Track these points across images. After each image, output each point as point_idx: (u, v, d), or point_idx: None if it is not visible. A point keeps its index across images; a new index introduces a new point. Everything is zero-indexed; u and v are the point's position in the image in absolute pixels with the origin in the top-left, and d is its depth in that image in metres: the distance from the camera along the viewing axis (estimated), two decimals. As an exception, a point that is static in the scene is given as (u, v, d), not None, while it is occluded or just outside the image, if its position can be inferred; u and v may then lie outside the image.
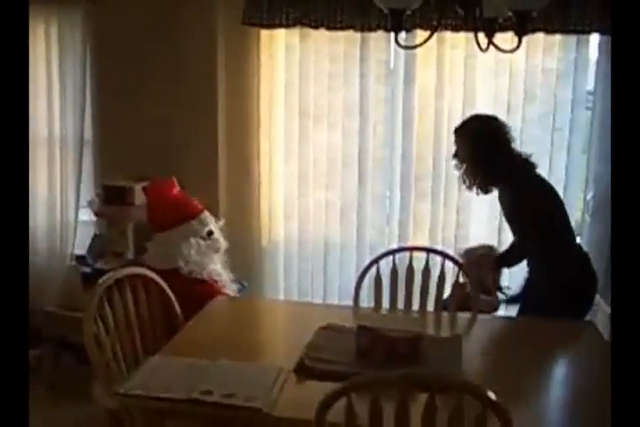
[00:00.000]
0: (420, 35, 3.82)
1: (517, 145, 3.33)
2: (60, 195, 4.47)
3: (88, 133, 4.42)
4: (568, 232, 3.27)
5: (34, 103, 4.44)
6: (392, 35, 3.83)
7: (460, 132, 3.30)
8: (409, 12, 2.25)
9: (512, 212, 3.29)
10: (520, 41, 2.29)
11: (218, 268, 3.54)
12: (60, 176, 4.46)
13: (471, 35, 3.71)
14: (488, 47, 2.47)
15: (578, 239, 3.55)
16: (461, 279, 3.37)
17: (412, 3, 2.18)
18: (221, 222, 3.66)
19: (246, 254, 4.30)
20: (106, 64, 4.30)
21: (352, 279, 4.19)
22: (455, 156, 3.32)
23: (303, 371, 2.31)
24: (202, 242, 3.47)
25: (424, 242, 4.08)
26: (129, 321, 2.60)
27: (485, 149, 3.19)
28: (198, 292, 3.25)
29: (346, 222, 4.25)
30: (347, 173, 4.20)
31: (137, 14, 4.14)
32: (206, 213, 3.56)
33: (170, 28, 4.07)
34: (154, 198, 3.59)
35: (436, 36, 3.74)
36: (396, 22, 2.22)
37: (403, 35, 3.81)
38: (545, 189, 3.25)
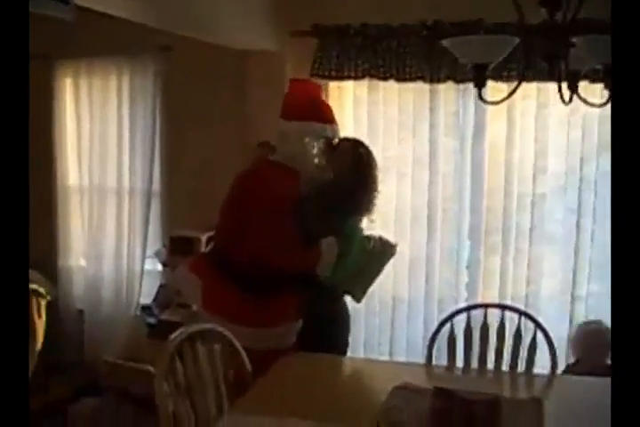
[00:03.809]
0: (492, 86, 3.77)
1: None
2: (127, 245, 4.51)
3: (156, 184, 4.47)
4: None
5: (104, 154, 4.53)
6: (460, 86, 3.90)
7: None
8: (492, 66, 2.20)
9: None
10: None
11: None
12: (127, 226, 4.51)
13: (542, 84, 3.72)
14: (571, 99, 2.40)
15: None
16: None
17: (497, 56, 2.12)
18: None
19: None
20: (175, 116, 4.35)
21: (419, 334, 4.10)
22: None
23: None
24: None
25: (493, 297, 3.96)
26: (201, 378, 2.54)
27: None
28: None
29: (414, 276, 4.15)
30: (415, 225, 4.12)
31: (207, 66, 4.19)
32: (336, 127, 3.31)
33: (239, 80, 4.11)
34: (295, 87, 3.34)
35: (506, 86, 3.74)
36: (480, 76, 2.14)
37: (469, 86, 3.77)
38: None
